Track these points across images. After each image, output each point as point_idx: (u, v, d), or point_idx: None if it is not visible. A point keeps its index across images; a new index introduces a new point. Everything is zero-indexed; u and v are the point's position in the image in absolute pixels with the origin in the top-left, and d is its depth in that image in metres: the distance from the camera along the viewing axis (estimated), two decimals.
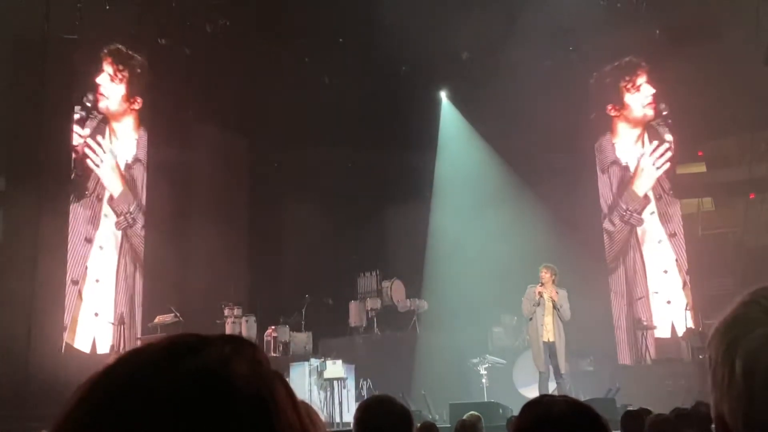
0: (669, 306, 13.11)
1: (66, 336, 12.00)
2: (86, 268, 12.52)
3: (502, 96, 13.70)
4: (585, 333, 11.96)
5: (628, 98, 14.18)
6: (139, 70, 13.51)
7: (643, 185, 13.96)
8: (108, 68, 13.23)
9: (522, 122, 14.06)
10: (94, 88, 13.06)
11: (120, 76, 13.32)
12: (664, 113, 13.82)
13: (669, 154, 13.73)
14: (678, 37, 13.03)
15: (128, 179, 13.46)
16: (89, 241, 12.64)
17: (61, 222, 12.11)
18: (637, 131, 14.13)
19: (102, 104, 13.18)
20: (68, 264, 12.18)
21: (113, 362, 0.67)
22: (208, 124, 14.64)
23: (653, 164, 13.85)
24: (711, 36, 12.58)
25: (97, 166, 13.01)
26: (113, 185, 13.23)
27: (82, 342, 12.22)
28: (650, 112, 13.98)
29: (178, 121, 14.21)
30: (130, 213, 13.32)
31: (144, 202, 13.52)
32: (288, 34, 14.16)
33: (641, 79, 14.00)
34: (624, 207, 13.99)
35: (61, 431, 0.63)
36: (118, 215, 13.17)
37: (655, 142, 13.86)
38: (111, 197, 13.16)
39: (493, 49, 14.35)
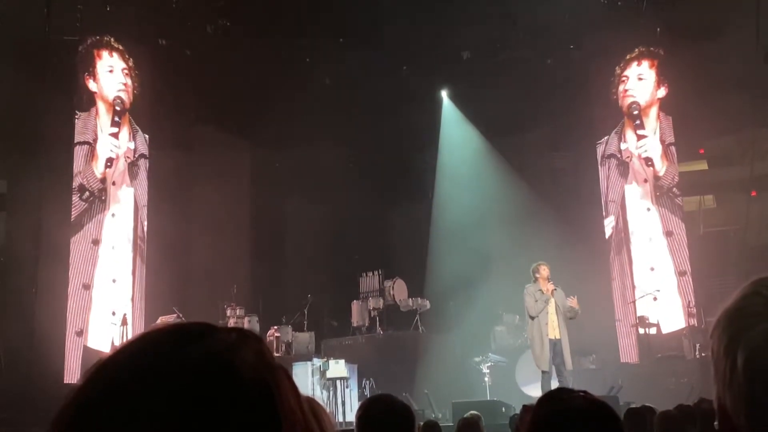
0: (671, 304, 13.09)
1: (84, 339, 11.94)
2: (94, 268, 12.46)
3: (503, 95, 13.72)
4: (587, 331, 11.96)
5: (627, 95, 14.16)
6: (139, 72, 13.50)
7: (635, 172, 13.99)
8: (109, 70, 13.22)
9: (523, 121, 14.07)
10: (95, 90, 13.05)
11: (120, 77, 13.31)
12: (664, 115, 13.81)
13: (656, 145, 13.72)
14: (679, 36, 13.03)
15: (130, 179, 13.44)
16: (96, 242, 12.60)
17: (65, 224, 12.10)
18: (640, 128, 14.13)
19: (103, 105, 13.16)
20: (73, 266, 12.14)
21: (120, 347, 0.67)
22: (209, 125, 14.66)
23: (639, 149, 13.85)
24: (712, 34, 12.57)
25: (98, 167, 13.00)
26: (116, 187, 13.21)
27: (100, 343, 12.08)
28: (648, 106, 13.97)
29: (180, 122, 14.23)
30: (138, 214, 13.32)
31: (146, 202, 13.51)
32: (289, 34, 14.17)
33: (642, 73, 13.96)
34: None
35: (66, 413, 0.63)
36: (123, 215, 13.16)
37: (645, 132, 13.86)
38: (115, 198, 13.14)
39: (493, 48, 14.38)
